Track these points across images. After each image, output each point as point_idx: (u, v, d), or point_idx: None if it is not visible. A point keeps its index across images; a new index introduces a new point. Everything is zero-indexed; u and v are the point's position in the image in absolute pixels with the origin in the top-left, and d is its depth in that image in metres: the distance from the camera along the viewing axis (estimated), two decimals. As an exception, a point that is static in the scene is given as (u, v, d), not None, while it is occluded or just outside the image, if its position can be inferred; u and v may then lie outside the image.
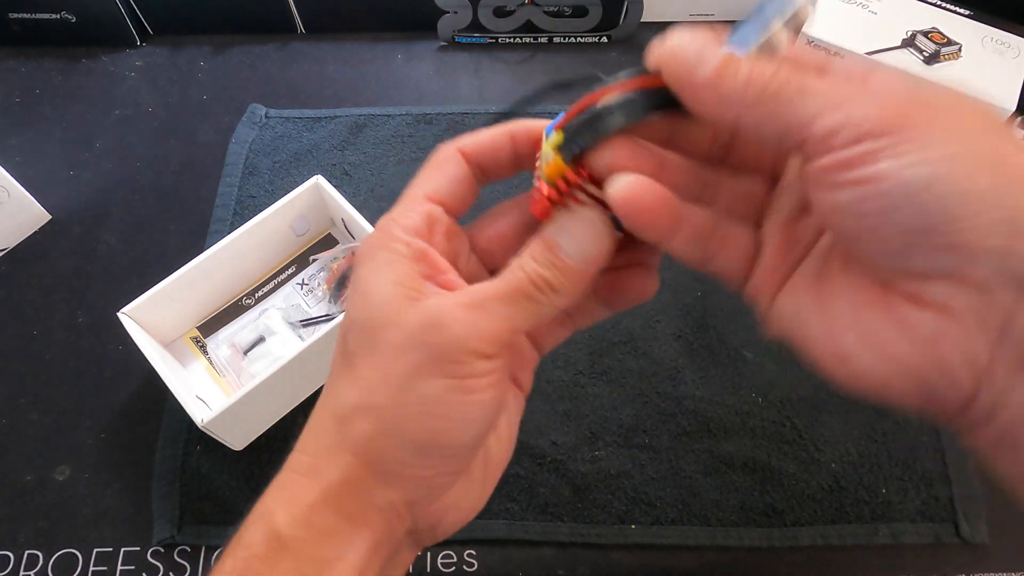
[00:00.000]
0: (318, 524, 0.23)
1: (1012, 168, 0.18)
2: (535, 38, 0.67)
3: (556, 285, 0.23)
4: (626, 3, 0.63)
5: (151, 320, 0.47)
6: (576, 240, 0.23)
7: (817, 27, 0.57)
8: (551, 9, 0.64)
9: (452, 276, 0.25)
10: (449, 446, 0.23)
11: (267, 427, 0.47)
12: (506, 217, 0.28)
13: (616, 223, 0.24)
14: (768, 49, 0.22)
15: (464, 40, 0.67)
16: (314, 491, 0.24)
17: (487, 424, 0.24)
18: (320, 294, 0.53)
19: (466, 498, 0.26)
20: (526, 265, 0.23)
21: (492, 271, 0.29)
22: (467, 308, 0.23)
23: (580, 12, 0.64)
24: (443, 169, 0.26)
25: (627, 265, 0.27)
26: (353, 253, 0.53)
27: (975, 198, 0.18)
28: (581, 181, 0.23)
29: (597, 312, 0.28)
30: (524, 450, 0.47)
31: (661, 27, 0.69)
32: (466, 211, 0.27)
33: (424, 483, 0.24)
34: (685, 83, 0.21)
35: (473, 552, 0.44)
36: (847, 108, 0.19)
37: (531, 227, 0.27)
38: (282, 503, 0.24)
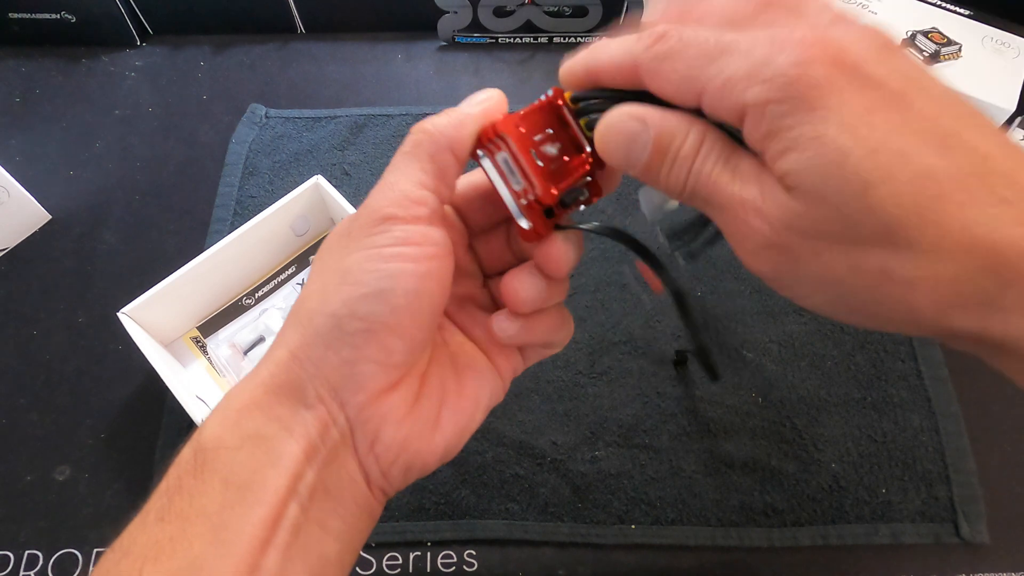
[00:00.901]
0: (247, 429, 0.23)
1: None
2: (535, 38, 0.67)
3: (424, 126, 0.25)
4: (626, 3, 0.63)
5: (151, 320, 0.47)
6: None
7: (817, 27, 0.56)
8: (551, 9, 0.64)
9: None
10: (365, 317, 0.23)
11: (267, 427, 0.47)
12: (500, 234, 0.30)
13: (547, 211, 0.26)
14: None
15: (464, 40, 0.67)
16: (244, 395, 0.24)
17: (406, 302, 0.24)
18: (320, 294, 0.53)
19: (410, 424, 0.25)
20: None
21: (485, 274, 0.31)
22: (376, 188, 0.25)
23: (580, 12, 0.64)
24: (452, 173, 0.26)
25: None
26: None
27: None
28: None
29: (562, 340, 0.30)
30: (524, 450, 0.47)
31: (661, 27, 0.69)
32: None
33: (346, 368, 0.24)
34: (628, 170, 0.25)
35: (473, 552, 0.44)
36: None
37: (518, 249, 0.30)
38: (216, 415, 0.24)
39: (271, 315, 0.52)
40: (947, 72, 0.54)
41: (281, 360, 0.24)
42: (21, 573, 0.44)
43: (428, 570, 0.44)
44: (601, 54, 0.24)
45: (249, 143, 0.60)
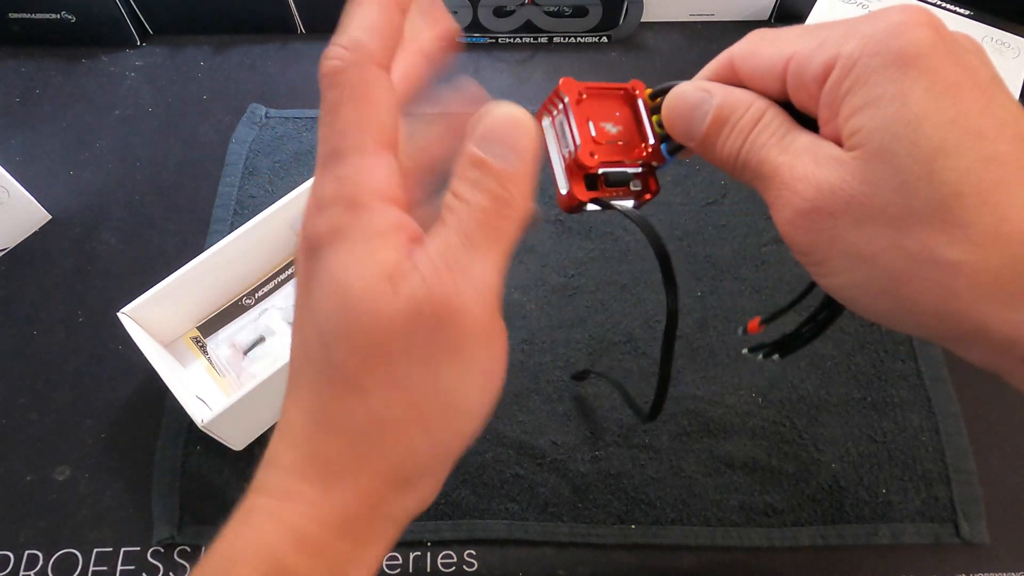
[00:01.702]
0: (331, 555, 0.21)
1: None
2: (535, 38, 0.67)
3: (509, 199, 0.20)
4: (626, 3, 0.63)
5: (151, 320, 0.47)
6: (502, 142, 0.20)
7: (817, 27, 0.56)
8: (551, 9, 0.64)
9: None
10: (474, 436, 0.22)
11: (267, 427, 0.47)
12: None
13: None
14: None
15: (464, 40, 0.67)
16: (329, 521, 0.21)
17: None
18: (320, 294, 0.53)
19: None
20: (472, 199, 0.20)
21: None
22: (457, 273, 0.19)
23: (580, 12, 0.64)
24: (383, 104, 0.21)
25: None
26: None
27: None
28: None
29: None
30: (524, 450, 0.47)
31: (661, 27, 0.69)
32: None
33: (441, 479, 0.23)
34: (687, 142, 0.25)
35: (473, 552, 0.44)
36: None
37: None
38: (287, 539, 0.20)
39: (271, 315, 0.52)
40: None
41: (372, 488, 0.21)
42: (21, 573, 0.44)
43: (428, 570, 0.44)
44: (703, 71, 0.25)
45: (249, 143, 0.60)
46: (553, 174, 0.26)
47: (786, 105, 0.23)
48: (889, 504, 0.45)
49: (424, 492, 0.22)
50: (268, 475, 0.22)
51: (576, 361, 0.50)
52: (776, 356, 0.32)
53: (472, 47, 0.67)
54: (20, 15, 0.63)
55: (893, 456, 0.46)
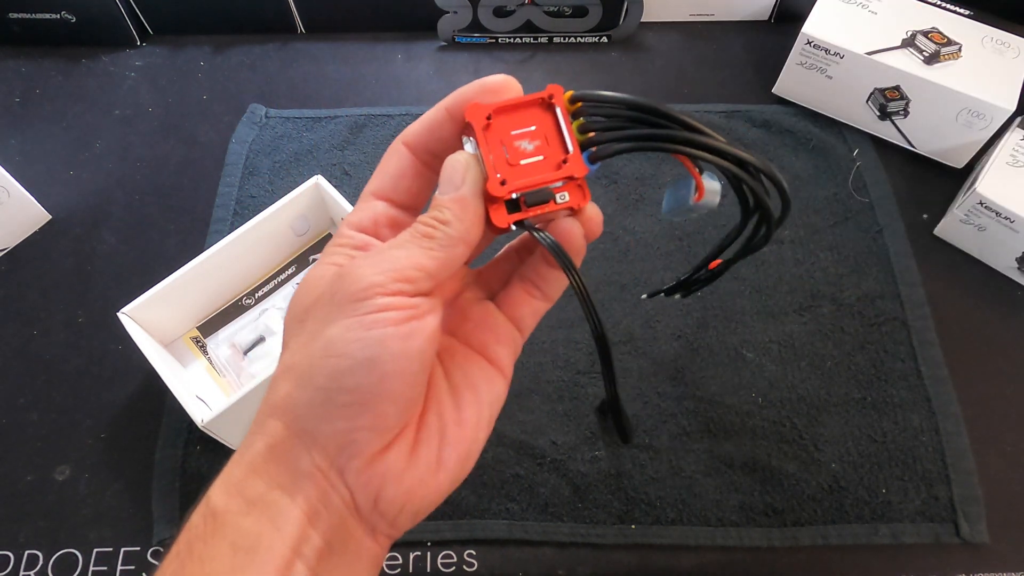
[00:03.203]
0: (249, 495, 0.24)
1: None
2: (535, 38, 0.67)
3: (442, 217, 0.25)
4: (626, 3, 0.63)
5: (151, 320, 0.47)
6: (443, 178, 0.26)
7: (817, 27, 0.57)
8: (551, 9, 0.64)
9: None
10: (354, 390, 0.23)
11: (267, 427, 0.47)
12: None
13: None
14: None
15: (464, 40, 0.67)
16: (243, 462, 0.24)
17: (394, 367, 0.23)
18: (320, 294, 0.53)
19: (412, 474, 0.25)
20: (419, 219, 0.26)
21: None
22: (368, 256, 0.25)
23: (580, 12, 0.64)
24: (385, 164, 0.28)
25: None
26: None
27: None
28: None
29: (550, 276, 0.30)
30: (524, 450, 0.47)
31: (661, 27, 0.69)
32: (424, 199, 0.28)
33: (341, 438, 0.24)
34: None
35: (473, 552, 0.44)
36: None
37: None
38: (219, 480, 0.25)
39: (271, 315, 0.52)
40: (947, 72, 0.54)
41: (276, 432, 0.24)
42: (21, 573, 0.44)
43: (428, 570, 0.44)
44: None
45: (249, 143, 0.60)
46: None
47: None
48: (889, 504, 0.45)
49: (326, 449, 0.24)
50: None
51: (576, 361, 0.50)
52: (678, 296, 0.36)
53: (472, 47, 0.67)
54: (20, 15, 0.63)
55: (893, 456, 0.46)
